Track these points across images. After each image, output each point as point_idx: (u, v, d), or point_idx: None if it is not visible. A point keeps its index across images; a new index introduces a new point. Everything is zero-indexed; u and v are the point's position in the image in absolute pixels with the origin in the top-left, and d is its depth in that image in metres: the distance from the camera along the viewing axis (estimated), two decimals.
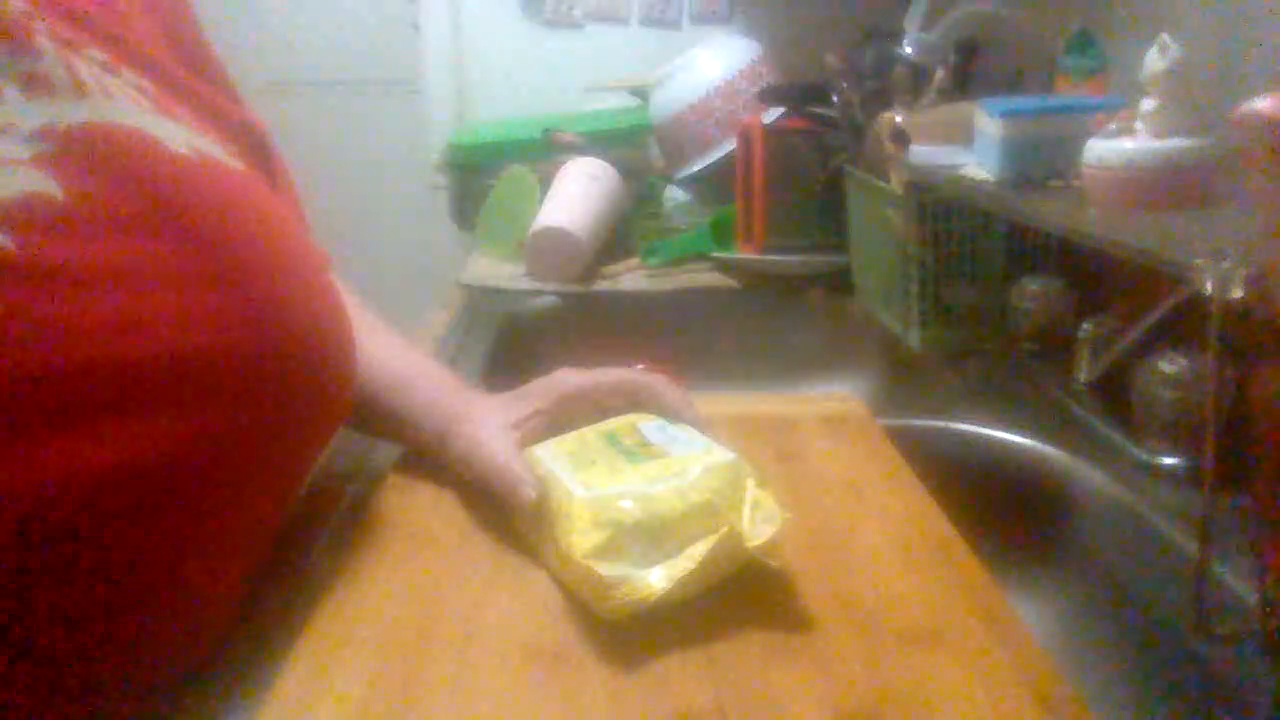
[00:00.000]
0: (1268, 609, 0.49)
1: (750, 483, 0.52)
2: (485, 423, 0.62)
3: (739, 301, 1.28)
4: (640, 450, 0.55)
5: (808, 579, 0.51)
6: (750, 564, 0.50)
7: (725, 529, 0.48)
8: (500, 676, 0.45)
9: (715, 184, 1.45)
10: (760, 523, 0.50)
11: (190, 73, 0.51)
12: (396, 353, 0.68)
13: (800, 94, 1.29)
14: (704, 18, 1.73)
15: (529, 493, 0.54)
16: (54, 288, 0.37)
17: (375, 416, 0.65)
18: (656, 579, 0.47)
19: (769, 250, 1.27)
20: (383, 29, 2.20)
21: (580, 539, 0.48)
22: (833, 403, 0.77)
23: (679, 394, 0.63)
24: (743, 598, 0.50)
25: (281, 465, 0.49)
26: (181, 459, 0.40)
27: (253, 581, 0.52)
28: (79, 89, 0.41)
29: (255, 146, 0.54)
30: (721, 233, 1.37)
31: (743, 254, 1.31)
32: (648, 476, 0.52)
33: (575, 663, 0.45)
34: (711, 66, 1.49)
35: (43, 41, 0.40)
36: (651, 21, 1.74)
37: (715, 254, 1.34)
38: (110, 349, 0.38)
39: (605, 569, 0.47)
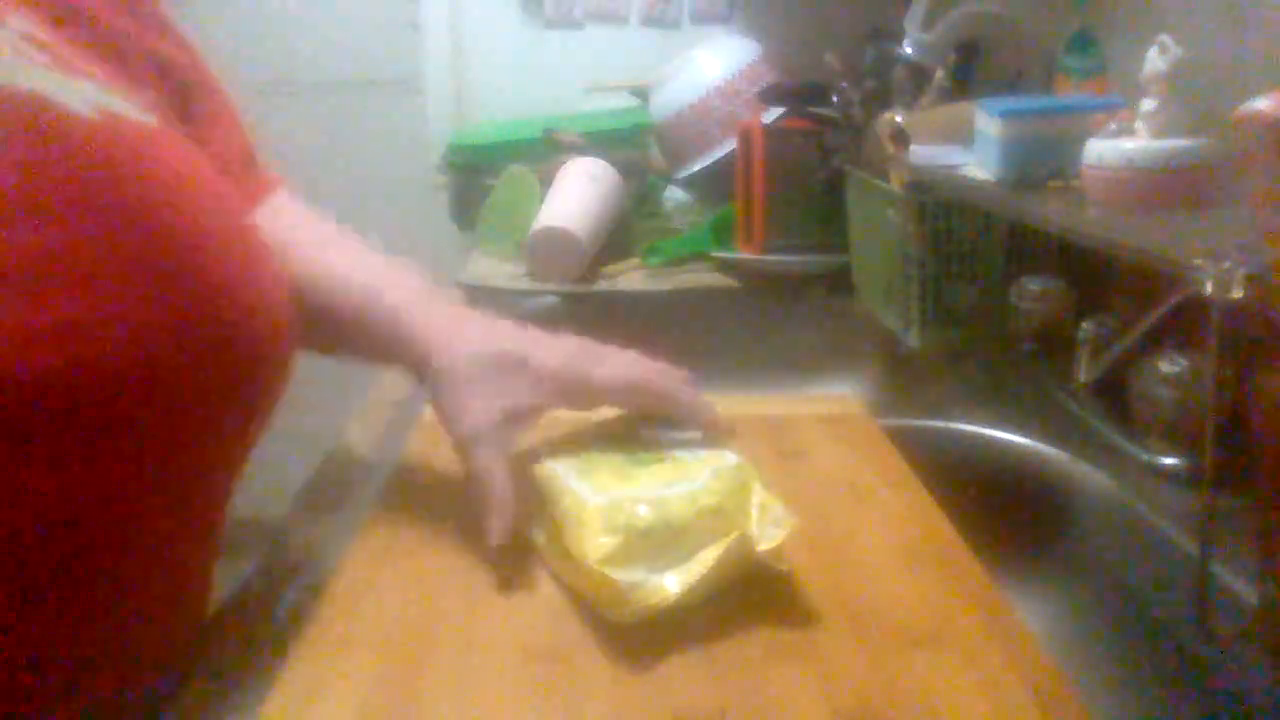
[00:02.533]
0: (1268, 609, 0.49)
1: (756, 486, 0.52)
2: (474, 393, 0.54)
3: (739, 301, 1.28)
4: (645, 454, 0.55)
5: (808, 579, 0.51)
6: (755, 566, 0.50)
7: (736, 534, 0.48)
8: (501, 677, 0.45)
9: (715, 184, 1.45)
10: (769, 526, 0.50)
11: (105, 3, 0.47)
12: (362, 262, 0.61)
13: (800, 94, 1.29)
14: (704, 18, 1.73)
15: (500, 539, 0.52)
16: None
17: (340, 336, 0.60)
18: (671, 584, 0.47)
19: (769, 250, 1.27)
20: (383, 29, 2.20)
21: (593, 544, 0.48)
22: (833, 403, 0.77)
23: (696, 396, 0.59)
24: (743, 598, 0.50)
25: (203, 447, 0.45)
26: (99, 447, 0.38)
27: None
28: None
29: (174, 84, 0.50)
30: (721, 233, 1.37)
31: (743, 254, 1.31)
32: (658, 481, 0.52)
33: (576, 663, 0.45)
34: (711, 66, 1.49)
35: None
36: (651, 21, 1.74)
37: (715, 254, 1.34)
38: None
39: (620, 575, 0.47)
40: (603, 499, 0.50)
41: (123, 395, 0.39)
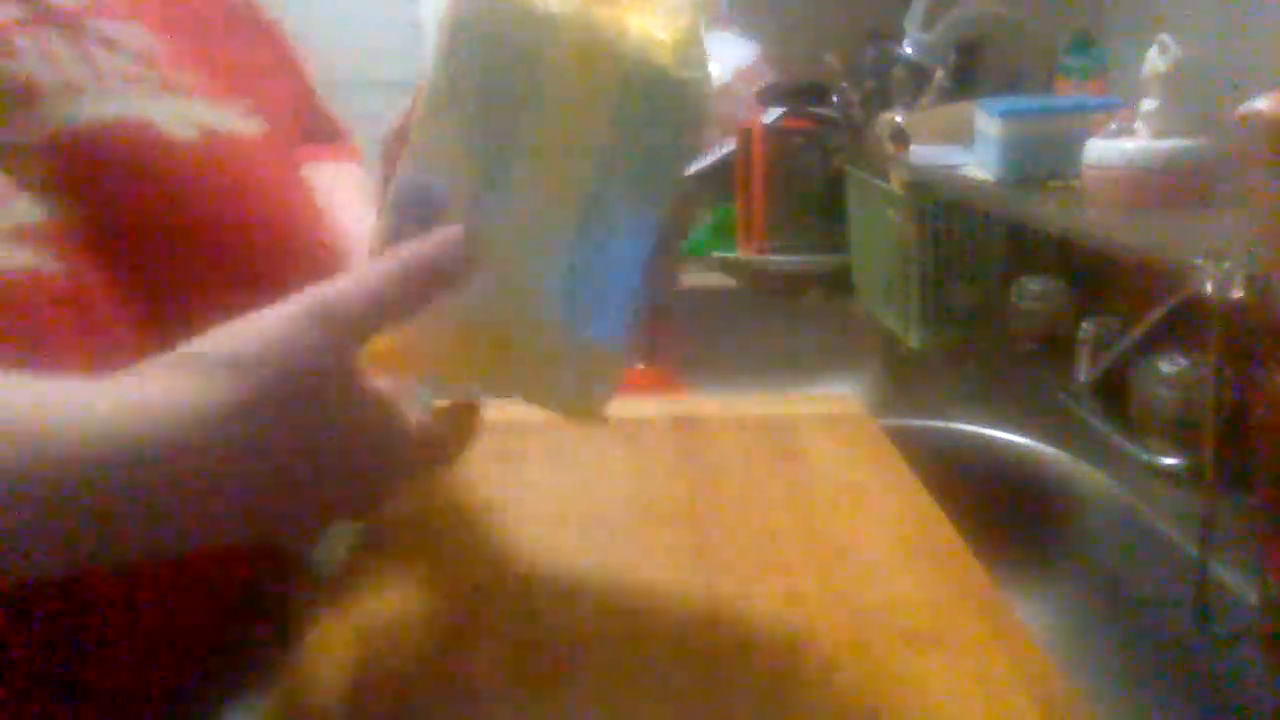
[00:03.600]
0: (1268, 609, 0.49)
1: None
2: None
3: (739, 301, 1.28)
4: None
5: (808, 580, 0.51)
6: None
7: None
8: (500, 678, 0.45)
9: (715, 184, 1.45)
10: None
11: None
12: None
13: (800, 94, 1.29)
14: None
15: None
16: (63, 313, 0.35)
17: None
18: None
19: (769, 250, 1.28)
20: (383, 29, 2.20)
21: None
22: (833, 403, 0.77)
23: None
24: (742, 598, 0.50)
25: None
26: None
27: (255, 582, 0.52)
28: (68, 87, 0.38)
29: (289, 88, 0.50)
30: (721, 233, 1.37)
31: (743, 254, 1.31)
32: None
33: (575, 664, 0.45)
34: (711, 66, 1.49)
35: (19, 40, 0.37)
36: None
37: (715, 254, 1.34)
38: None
39: None
40: None
41: None
